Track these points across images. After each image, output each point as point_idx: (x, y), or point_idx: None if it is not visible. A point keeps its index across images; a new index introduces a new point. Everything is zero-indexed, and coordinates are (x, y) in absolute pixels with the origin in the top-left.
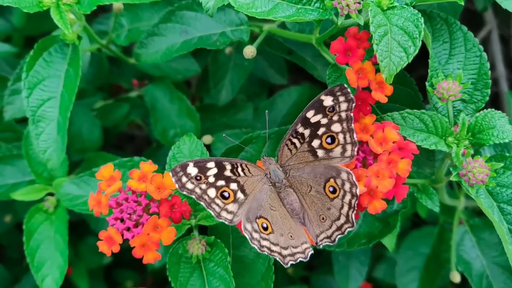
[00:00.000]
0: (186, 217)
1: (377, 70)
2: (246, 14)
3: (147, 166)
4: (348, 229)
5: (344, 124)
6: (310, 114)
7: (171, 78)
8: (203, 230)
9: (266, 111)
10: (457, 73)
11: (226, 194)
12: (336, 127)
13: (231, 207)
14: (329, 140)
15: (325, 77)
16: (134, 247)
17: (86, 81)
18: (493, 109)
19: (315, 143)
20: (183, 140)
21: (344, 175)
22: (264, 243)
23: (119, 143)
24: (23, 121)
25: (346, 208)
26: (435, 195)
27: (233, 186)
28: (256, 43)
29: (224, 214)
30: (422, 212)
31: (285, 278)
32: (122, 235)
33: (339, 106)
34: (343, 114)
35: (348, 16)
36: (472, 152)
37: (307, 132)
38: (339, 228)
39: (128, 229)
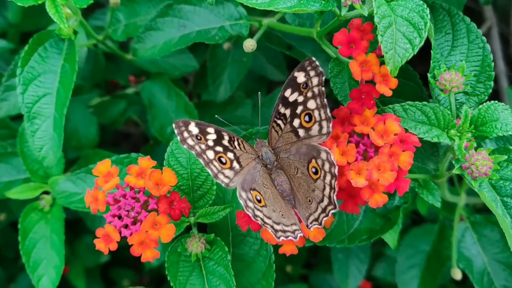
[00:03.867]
0: (185, 214)
1: (382, 63)
2: (245, 8)
3: (146, 161)
4: (332, 211)
5: (318, 100)
6: (288, 93)
7: (169, 74)
8: (202, 228)
9: (259, 92)
10: (460, 64)
11: (223, 160)
12: (311, 104)
13: (228, 172)
14: (307, 118)
15: (327, 72)
16: (132, 245)
17: (83, 78)
18: (496, 101)
19: (296, 122)
20: None
21: (323, 155)
22: (258, 213)
23: (116, 141)
24: (18, 118)
25: (327, 189)
26: (436, 190)
27: (230, 155)
28: (255, 37)
29: (221, 176)
30: (422, 209)
31: (284, 276)
32: (120, 233)
33: (311, 82)
34: (316, 90)
35: (351, 7)
36: (475, 145)
37: (288, 112)
38: (323, 210)
39: (126, 226)
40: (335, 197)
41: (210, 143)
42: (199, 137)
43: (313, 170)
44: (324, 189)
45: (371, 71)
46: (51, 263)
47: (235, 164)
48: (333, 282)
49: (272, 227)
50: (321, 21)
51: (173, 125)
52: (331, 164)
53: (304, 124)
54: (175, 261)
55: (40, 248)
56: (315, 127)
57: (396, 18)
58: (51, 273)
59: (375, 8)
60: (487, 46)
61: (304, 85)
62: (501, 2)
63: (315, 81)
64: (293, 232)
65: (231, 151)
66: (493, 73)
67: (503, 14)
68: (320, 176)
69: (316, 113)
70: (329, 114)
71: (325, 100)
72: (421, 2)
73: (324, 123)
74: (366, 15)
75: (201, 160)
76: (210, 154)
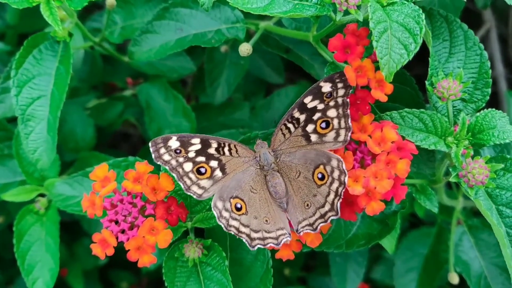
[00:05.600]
0: (182, 219)
1: (377, 68)
2: (241, 11)
3: (143, 166)
4: (332, 217)
5: (340, 110)
6: (307, 99)
7: (167, 76)
8: (199, 233)
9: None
10: (458, 72)
11: (202, 170)
12: (331, 112)
13: (205, 182)
14: (323, 125)
15: (323, 76)
16: (129, 250)
17: (80, 79)
18: (493, 109)
19: (310, 127)
20: None
21: (334, 162)
22: (233, 222)
23: (114, 142)
24: (15, 120)
25: (332, 195)
26: (433, 196)
27: (213, 163)
28: (252, 41)
29: (194, 188)
30: (420, 212)
31: (283, 279)
32: (117, 238)
33: (337, 92)
34: (340, 100)
35: (346, 12)
36: (472, 152)
37: (302, 117)
38: (322, 216)
39: (123, 231)
40: (339, 204)
41: (191, 154)
42: (178, 151)
43: (319, 175)
44: (328, 195)
45: (366, 76)
46: (46, 266)
47: (217, 172)
48: (332, 284)
49: (248, 235)
50: (317, 25)
51: (149, 144)
52: (342, 172)
53: (319, 130)
54: (172, 266)
55: (35, 251)
56: (331, 134)
57: (391, 24)
58: (45, 276)
59: (370, 13)
60: (485, 53)
61: (329, 94)
62: (500, 3)
63: (341, 92)
64: (277, 237)
65: (216, 159)
66: (490, 80)
67: (502, 15)
68: (326, 182)
69: (335, 121)
70: (350, 124)
71: (348, 110)
72: (417, 7)
73: (342, 131)
74: (361, 20)
75: (174, 175)
76: (188, 166)
